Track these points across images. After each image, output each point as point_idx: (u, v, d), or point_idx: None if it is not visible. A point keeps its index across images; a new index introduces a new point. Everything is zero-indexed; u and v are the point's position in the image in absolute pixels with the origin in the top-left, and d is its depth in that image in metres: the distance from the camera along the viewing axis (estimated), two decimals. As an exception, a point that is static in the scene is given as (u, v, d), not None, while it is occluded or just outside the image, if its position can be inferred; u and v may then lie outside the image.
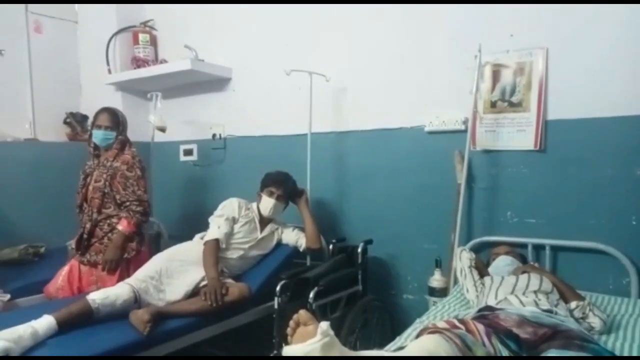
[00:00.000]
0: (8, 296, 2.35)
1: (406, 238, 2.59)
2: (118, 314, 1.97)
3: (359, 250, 2.45)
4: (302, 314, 1.11)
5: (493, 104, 2.32)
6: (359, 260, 2.45)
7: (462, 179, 2.27)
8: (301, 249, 2.61)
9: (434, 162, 2.48)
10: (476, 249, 2.28)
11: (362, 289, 2.46)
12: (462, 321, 1.38)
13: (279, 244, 2.64)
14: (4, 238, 2.63)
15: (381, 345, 1.49)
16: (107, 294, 1.97)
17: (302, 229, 2.63)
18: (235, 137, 3.28)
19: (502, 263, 2.05)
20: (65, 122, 3.58)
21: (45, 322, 1.75)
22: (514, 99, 2.27)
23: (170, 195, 3.59)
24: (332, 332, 1.07)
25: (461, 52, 2.33)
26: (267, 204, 2.53)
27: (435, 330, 1.29)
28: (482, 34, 2.26)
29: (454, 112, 2.39)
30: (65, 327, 1.80)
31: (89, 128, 2.71)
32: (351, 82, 2.73)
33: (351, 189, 2.78)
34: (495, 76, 2.31)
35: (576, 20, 2.09)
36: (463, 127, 2.36)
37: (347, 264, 2.46)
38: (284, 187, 2.54)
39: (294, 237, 2.62)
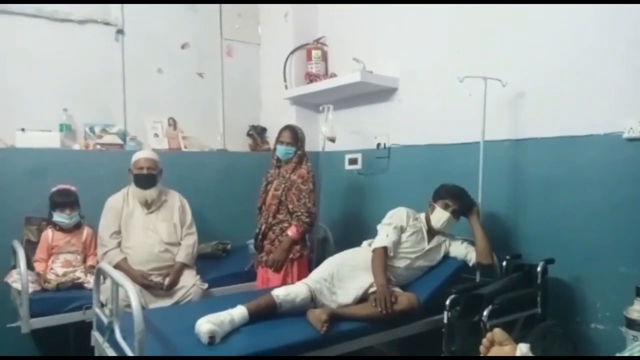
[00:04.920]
0: (206, 285, 2.73)
1: (596, 259, 2.28)
2: (296, 311, 2.13)
3: (539, 269, 2.24)
4: (498, 332, 1.05)
5: None
6: (538, 281, 2.24)
7: (675, 194, 1.92)
8: (470, 264, 2.50)
9: (635, 173, 2.15)
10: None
11: (541, 312, 2.24)
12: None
13: (446, 256, 2.57)
14: (201, 235, 3.05)
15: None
16: (288, 291, 2.15)
17: (472, 243, 2.52)
18: (400, 146, 3.30)
19: None
20: (248, 134, 4.05)
21: (240, 312, 1.98)
22: None
23: (335, 202, 3.76)
24: (532, 355, 1.00)
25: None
26: (440, 215, 2.48)
27: (649, 370, 1.11)
28: None
29: (663, 115, 2.04)
30: (254, 317, 2.02)
31: (268, 141, 3.00)
32: (530, 86, 2.52)
33: (528, 202, 2.56)
34: None
35: None
36: (676, 133, 2.00)
37: (524, 283, 2.27)
38: (461, 202, 2.47)
39: (463, 251, 2.52)
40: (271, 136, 3.95)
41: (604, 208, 2.26)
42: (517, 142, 2.59)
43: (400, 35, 3.25)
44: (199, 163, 3.63)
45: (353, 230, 3.48)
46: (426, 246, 2.51)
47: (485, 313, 2.01)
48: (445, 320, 2.12)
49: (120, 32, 3.51)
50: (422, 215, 2.58)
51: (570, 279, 2.38)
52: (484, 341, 1.06)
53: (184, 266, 2.75)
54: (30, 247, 2.74)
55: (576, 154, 2.36)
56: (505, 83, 2.50)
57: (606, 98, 2.24)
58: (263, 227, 2.83)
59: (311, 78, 3.66)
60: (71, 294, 2.55)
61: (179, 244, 2.82)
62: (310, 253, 3.13)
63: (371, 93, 3.40)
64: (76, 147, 3.27)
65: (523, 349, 0.98)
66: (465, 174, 2.62)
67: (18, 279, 2.46)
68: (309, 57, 3.74)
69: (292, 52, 3.79)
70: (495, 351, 1.04)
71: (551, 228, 2.45)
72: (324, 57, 3.77)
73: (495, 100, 2.55)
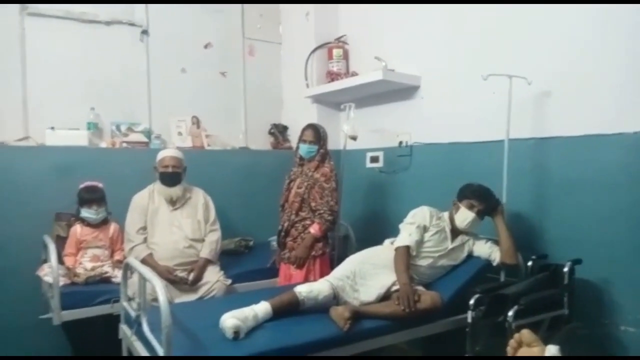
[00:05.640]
0: (230, 281, 2.77)
1: (624, 261, 2.23)
2: (318, 308, 2.14)
3: (566, 269, 2.21)
4: (526, 333, 1.04)
5: None
6: (566, 281, 2.20)
7: None
8: (494, 263, 2.47)
9: (665, 173, 2.10)
10: None
11: (568, 313, 2.21)
12: None
13: (470, 255, 2.55)
14: (224, 231, 3.09)
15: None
16: (311, 288, 2.16)
17: (496, 242, 2.49)
18: (422, 144, 3.28)
19: None
20: (269, 133, 4.08)
21: (263, 308, 2.01)
22: None
23: (356, 200, 3.76)
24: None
25: None
26: (465, 216, 2.46)
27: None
28: None
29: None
30: (277, 313, 2.03)
31: (289, 139, 3.02)
32: (556, 84, 2.48)
33: (553, 202, 2.52)
34: None
35: None
36: None
37: (550, 284, 2.23)
38: (487, 203, 2.44)
39: (487, 250, 2.50)
40: (292, 134, 3.98)
41: (633, 208, 2.20)
42: (542, 141, 2.55)
43: (422, 33, 3.23)
44: (222, 161, 3.68)
45: (374, 228, 3.48)
46: (449, 245, 2.49)
47: (510, 313, 1.99)
48: (470, 320, 2.10)
49: (145, 32, 3.57)
50: (446, 214, 2.56)
51: (598, 280, 2.33)
52: (512, 342, 1.05)
53: (207, 262, 2.79)
54: (60, 242, 2.82)
55: (602, 153, 2.31)
56: (530, 81, 2.46)
57: (636, 95, 2.19)
58: (286, 225, 2.86)
59: (332, 77, 3.66)
60: (99, 288, 2.63)
61: (203, 240, 2.86)
62: (332, 251, 3.15)
63: (393, 91, 3.39)
64: (103, 145, 3.34)
65: (552, 350, 0.97)
66: (488, 173, 2.60)
67: (49, 272, 2.53)
68: (330, 55, 3.75)
69: (313, 50, 3.80)
70: (523, 352, 1.02)
71: (576, 228, 2.41)
72: (345, 55, 3.77)
73: (520, 98, 2.52)
